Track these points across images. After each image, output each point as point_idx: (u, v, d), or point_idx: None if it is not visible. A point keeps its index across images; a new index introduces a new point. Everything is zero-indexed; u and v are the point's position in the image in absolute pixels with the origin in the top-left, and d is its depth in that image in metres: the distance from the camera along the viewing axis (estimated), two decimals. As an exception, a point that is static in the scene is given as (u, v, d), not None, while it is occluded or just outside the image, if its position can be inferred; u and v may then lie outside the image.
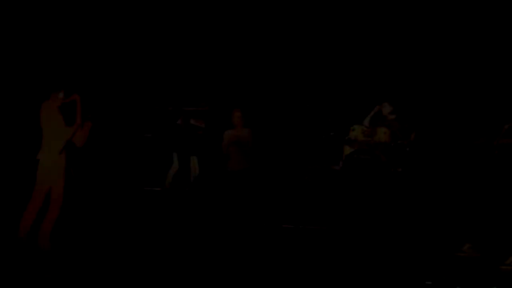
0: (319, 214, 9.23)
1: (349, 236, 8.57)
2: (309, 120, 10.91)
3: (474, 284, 6.13)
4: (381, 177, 9.56)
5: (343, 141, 10.22)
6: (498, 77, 8.04)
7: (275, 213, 9.23)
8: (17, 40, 10.39)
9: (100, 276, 6.31)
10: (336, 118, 10.49)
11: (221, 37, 11.69)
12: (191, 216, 9.15)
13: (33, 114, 7.33)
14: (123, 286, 6.11)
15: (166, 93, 10.91)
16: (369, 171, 9.62)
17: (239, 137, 8.67)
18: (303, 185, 10.27)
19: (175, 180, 9.79)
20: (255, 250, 7.69)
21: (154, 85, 11.31)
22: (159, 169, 10.22)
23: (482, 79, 10.27)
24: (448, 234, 8.31)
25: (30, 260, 6.81)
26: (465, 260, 6.90)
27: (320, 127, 10.50)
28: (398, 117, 10.16)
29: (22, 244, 7.02)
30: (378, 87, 11.17)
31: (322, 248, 7.93)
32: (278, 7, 11.36)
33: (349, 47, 11.43)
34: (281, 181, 10.78)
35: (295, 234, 8.49)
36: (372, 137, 9.98)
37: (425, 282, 6.04)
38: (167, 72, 11.49)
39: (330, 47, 11.53)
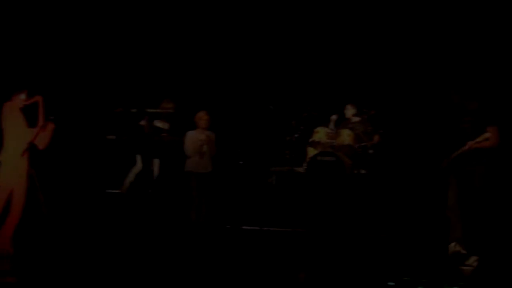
0: (283, 216, 9.27)
1: (313, 238, 8.63)
2: (273, 123, 10.93)
3: (436, 283, 6.21)
4: (345, 179, 9.63)
5: (307, 143, 10.29)
6: (462, 81, 8.12)
7: (239, 215, 9.24)
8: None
9: (63, 281, 6.24)
10: (300, 121, 10.54)
11: (184, 39, 11.68)
12: (153, 218, 9.11)
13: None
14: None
15: (129, 94, 10.87)
16: (332, 173, 9.69)
17: (208, 139, 8.68)
18: (267, 187, 10.30)
19: (137, 180, 9.76)
20: (218, 252, 7.71)
21: (117, 87, 11.25)
22: (122, 172, 10.16)
23: (445, 82, 10.40)
24: (411, 234, 8.42)
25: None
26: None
27: (284, 130, 10.54)
28: (362, 120, 10.26)
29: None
30: (342, 90, 11.26)
31: (287, 249, 7.97)
32: (241, 10, 11.40)
33: (314, 50, 11.51)
34: (245, 183, 10.82)
35: (259, 236, 8.51)
36: (335, 139, 10.06)
37: (388, 283, 6.09)
38: (131, 73, 11.45)
39: (293, 50, 11.59)
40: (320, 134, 10.17)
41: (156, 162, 9.71)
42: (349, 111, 10.37)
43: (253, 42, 11.59)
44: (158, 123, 9.74)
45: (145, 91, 10.74)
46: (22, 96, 7.19)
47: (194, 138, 8.65)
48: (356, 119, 10.37)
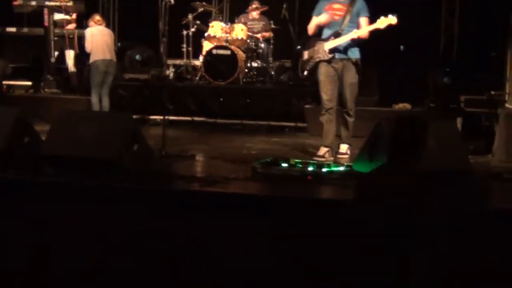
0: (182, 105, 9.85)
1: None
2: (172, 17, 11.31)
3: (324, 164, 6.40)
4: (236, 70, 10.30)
5: (203, 37, 10.83)
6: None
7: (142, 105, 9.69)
8: None
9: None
10: (196, 16, 11.00)
11: None
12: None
13: None
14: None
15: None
16: (226, 65, 10.33)
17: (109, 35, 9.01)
18: (168, 81, 10.72)
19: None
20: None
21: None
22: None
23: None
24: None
25: None
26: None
27: (182, 24, 10.95)
28: (261, 15, 10.99)
29: None
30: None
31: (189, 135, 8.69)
32: None
33: None
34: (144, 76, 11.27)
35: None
36: (230, 34, 10.64)
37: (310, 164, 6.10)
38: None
39: None
40: (215, 28, 10.71)
41: (68, 54, 9.92)
42: (253, 6, 11.02)
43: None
44: (60, 16, 9.87)
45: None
46: None
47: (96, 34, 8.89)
48: (254, 15, 11.05)
